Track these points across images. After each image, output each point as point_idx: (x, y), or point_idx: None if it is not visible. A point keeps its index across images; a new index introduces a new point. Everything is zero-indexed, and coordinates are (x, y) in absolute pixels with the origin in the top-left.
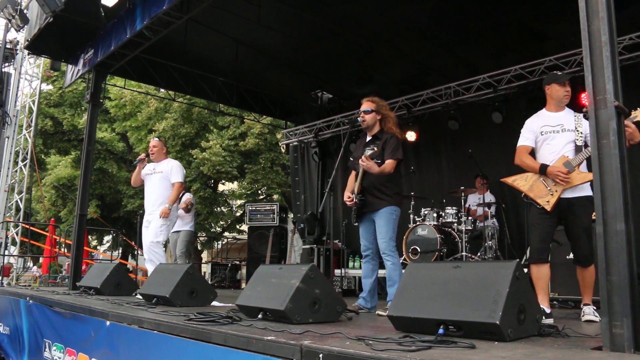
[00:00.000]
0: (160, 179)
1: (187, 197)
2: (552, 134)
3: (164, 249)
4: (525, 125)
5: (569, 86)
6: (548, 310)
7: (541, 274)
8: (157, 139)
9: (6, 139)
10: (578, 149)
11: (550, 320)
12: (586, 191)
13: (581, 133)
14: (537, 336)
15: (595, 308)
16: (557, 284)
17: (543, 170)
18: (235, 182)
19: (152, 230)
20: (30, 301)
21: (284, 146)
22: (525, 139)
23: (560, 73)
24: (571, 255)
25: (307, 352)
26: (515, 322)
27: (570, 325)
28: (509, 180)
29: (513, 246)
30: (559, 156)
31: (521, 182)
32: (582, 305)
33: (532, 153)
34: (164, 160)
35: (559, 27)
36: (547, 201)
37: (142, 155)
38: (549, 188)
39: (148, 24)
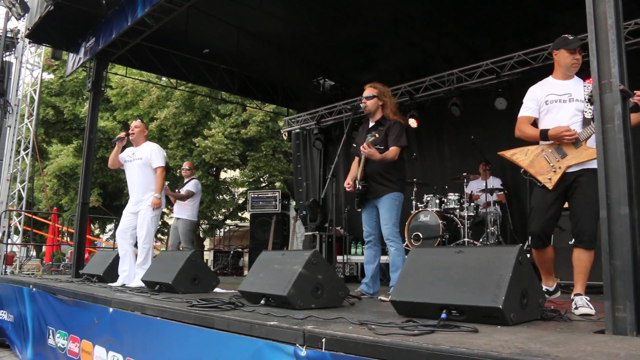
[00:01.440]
0: (140, 166)
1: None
2: (559, 104)
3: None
4: (527, 94)
5: (580, 54)
6: (552, 288)
7: (544, 257)
8: (139, 120)
9: (8, 128)
10: (586, 122)
11: (557, 295)
12: (595, 164)
13: (591, 104)
14: (539, 320)
15: (588, 298)
16: (559, 269)
17: (544, 135)
18: (237, 170)
19: (144, 224)
20: (34, 289)
21: (286, 133)
22: (527, 108)
23: (571, 37)
24: (573, 241)
25: (310, 337)
26: (517, 306)
27: (573, 309)
28: (508, 154)
29: (515, 232)
30: None
31: (521, 157)
32: (572, 296)
33: (535, 125)
34: (142, 143)
35: (562, 14)
36: (549, 178)
37: (122, 134)
38: (551, 164)
39: (149, 11)
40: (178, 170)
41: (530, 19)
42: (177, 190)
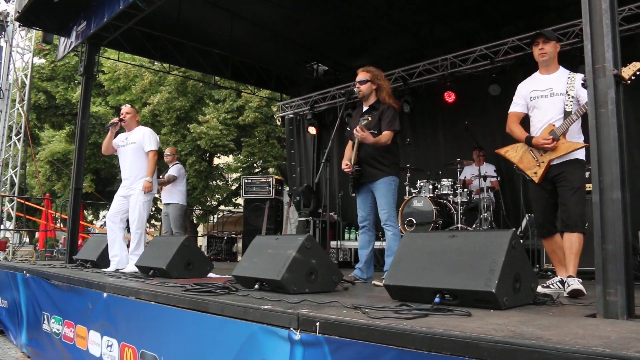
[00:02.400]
0: (134, 150)
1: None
2: (540, 99)
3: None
4: (516, 90)
5: (543, 43)
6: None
7: (552, 246)
8: (129, 105)
9: None
10: (567, 115)
11: (578, 284)
12: (577, 155)
13: (572, 97)
14: (532, 305)
15: (580, 280)
16: None
17: (529, 142)
18: (231, 156)
19: (136, 208)
20: (27, 274)
21: (280, 119)
22: (515, 104)
23: (534, 32)
24: None
25: (304, 320)
26: (510, 290)
27: (565, 294)
28: (502, 151)
29: (508, 218)
30: (547, 125)
31: (512, 153)
32: (565, 279)
33: (527, 119)
34: (135, 128)
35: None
36: (535, 172)
37: (115, 120)
38: (536, 159)
39: None
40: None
41: (525, 3)
42: (160, 177)
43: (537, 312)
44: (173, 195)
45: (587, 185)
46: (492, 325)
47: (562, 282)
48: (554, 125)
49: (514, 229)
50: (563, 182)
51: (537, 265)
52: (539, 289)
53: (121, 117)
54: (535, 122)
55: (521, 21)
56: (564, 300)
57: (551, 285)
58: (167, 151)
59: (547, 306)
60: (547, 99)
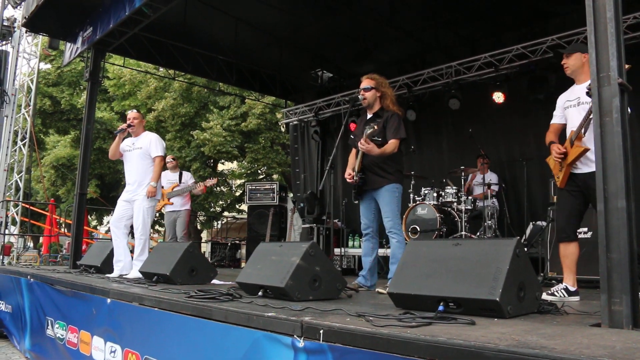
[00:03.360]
0: (140, 156)
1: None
2: (570, 109)
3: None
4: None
5: (566, 57)
6: (572, 288)
7: (566, 252)
8: (136, 110)
9: (5, 118)
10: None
11: (576, 298)
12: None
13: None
14: (536, 313)
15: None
16: (556, 263)
17: (549, 148)
18: (235, 162)
19: (140, 214)
20: (32, 279)
21: (284, 125)
22: (554, 116)
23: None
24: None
25: (308, 328)
26: (515, 299)
27: (570, 303)
28: (547, 160)
29: (512, 226)
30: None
31: (550, 161)
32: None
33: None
34: (142, 133)
35: (561, 6)
36: (558, 177)
37: (124, 126)
38: (560, 164)
39: (147, 0)
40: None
41: (529, 10)
42: (180, 185)
43: (542, 321)
44: (186, 202)
45: None
46: (496, 334)
47: (567, 290)
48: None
49: (518, 237)
50: (593, 201)
51: (542, 274)
52: (544, 296)
53: (129, 122)
54: (568, 131)
55: (525, 27)
56: (569, 309)
57: (556, 293)
58: (171, 158)
59: (551, 315)
60: (575, 108)
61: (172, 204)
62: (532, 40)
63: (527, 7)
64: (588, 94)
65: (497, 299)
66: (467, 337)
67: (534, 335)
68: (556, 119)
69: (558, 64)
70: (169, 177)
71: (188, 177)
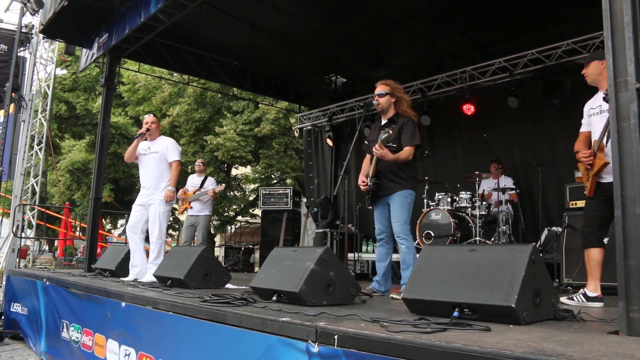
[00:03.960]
0: (156, 160)
1: (219, 186)
2: (594, 117)
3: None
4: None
5: (585, 67)
6: (592, 294)
7: (589, 258)
8: (152, 114)
9: (22, 122)
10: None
11: (598, 304)
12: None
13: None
14: (552, 320)
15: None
16: (572, 269)
17: (577, 156)
18: (249, 167)
19: (156, 218)
20: (47, 282)
21: (298, 130)
22: (582, 124)
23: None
24: None
25: (322, 333)
26: (530, 305)
27: (587, 310)
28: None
29: (527, 231)
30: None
31: (581, 168)
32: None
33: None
34: (157, 138)
35: (576, 10)
36: (586, 186)
37: (143, 130)
38: (587, 173)
39: (162, 7)
40: (190, 166)
41: (543, 14)
42: (211, 191)
43: (558, 328)
44: (205, 207)
45: None
46: (512, 341)
47: (586, 295)
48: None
49: (534, 243)
50: None
51: (557, 280)
52: (564, 300)
53: (147, 126)
54: (592, 140)
55: (540, 32)
56: (586, 316)
57: (575, 297)
58: (200, 162)
59: (567, 322)
60: (598, 115)
61: (192, 207)
62: (547, 45)
63: (542, 12)
64: (605, 99)
65: (513, 305)
66: (483, 344)
67: (551, 342)
68: (583, 127)
69: (573, 69)
70: (194, 181)
71: (210, 183)
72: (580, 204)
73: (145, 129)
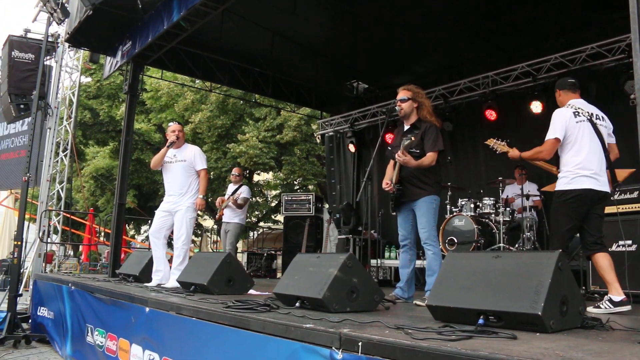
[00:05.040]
0: (183, 168)
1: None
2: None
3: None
4: None
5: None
6: (618, 298)
7: (597, 265)
8: (177, 122)
9: (48, 130)
10: None
11: (626, 307)
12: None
13: None
14: (579, 328)
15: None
16: (598, 277)
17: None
18: (271, 173)
19: (183, 225)
20: (73, 287)
21: (320, 137)
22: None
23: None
24: (614, 247)
25: (347, 340)
26: (557, 313)
27: (615, 318)
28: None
29: None
30: None
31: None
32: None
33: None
34: (182, 145)
35: (602, 13)
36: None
37: (174, 138)
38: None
39: (185, 14)
40: (212, 172)
41: (568, 19)
42: (230, 197)
43: (586, 337)
44: (236, 215)
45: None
46: (539, 349)
47: (611, 300)
48: None
49: (560, 250)
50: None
51: (583, 287)
52: (591, 310)
53: (176, 134)
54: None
55: (563, 37)
56: (615, 325)
57: (601, 305)
58: (235, 171)
59: (595, 330)
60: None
61: (224, 215)
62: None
63: (567, 17)
64: (633, 102)
65: (540, 313)
66: (509, 352)
67: (579, 351)
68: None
69: (598, 73)
70: (230, 189)
71: (242, 191)
72: (606, 210)
73: (175, 137)
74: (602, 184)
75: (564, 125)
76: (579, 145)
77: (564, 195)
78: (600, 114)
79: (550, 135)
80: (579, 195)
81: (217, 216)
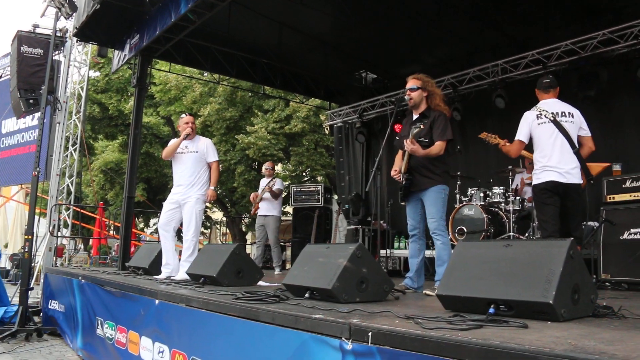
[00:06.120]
0: (195, 159)
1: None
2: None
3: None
4: None
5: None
6: None
7: None
8: (189, 114)
9: (57, 124)
10: None
11: None
12: None
13: None
14: (591, 317)
15: None
16: (610, 265)
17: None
18: (280, 164)
19: (192, 217)
20: (83, 280)
21: (328, 127)
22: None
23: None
24: (625, 236)
25: (356, 330)
26: (569, 302)
27: (627, 307)
28: None
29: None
30: None
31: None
32: None
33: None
34: (194, 137)
35: (614, 0)
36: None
37: (188, 130)
38: None
39: (192, 7)
40: (221, 165)
41: (579, 7)
42: (266, 187)
43: (598, 325)
44: (273, 208)
45: None
46: (550, 338)
47: None
48: None
49: (572, 238)
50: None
51: (594, 276)
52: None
53: (190, 126)
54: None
55: (575, 25)
56: (627, 313)
57: None
58: (268, 165)
59: (608, 319)
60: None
61: (260, 208)
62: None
63: (578, 4)
64: None
65: (551, 302)
66: (520, 341)
67: (591, 340)
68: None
69: (610, 59)
70: (262, 183)
71: (275, 184)
72: (618, 197)
73: (190, 129)
74: (565, 177)
75: (527, 128)
76: (542, 145)
77: (535, 189)
78: (568, 111)
79: (516, 136)
80: (544, 187)
81: (252, 211)
